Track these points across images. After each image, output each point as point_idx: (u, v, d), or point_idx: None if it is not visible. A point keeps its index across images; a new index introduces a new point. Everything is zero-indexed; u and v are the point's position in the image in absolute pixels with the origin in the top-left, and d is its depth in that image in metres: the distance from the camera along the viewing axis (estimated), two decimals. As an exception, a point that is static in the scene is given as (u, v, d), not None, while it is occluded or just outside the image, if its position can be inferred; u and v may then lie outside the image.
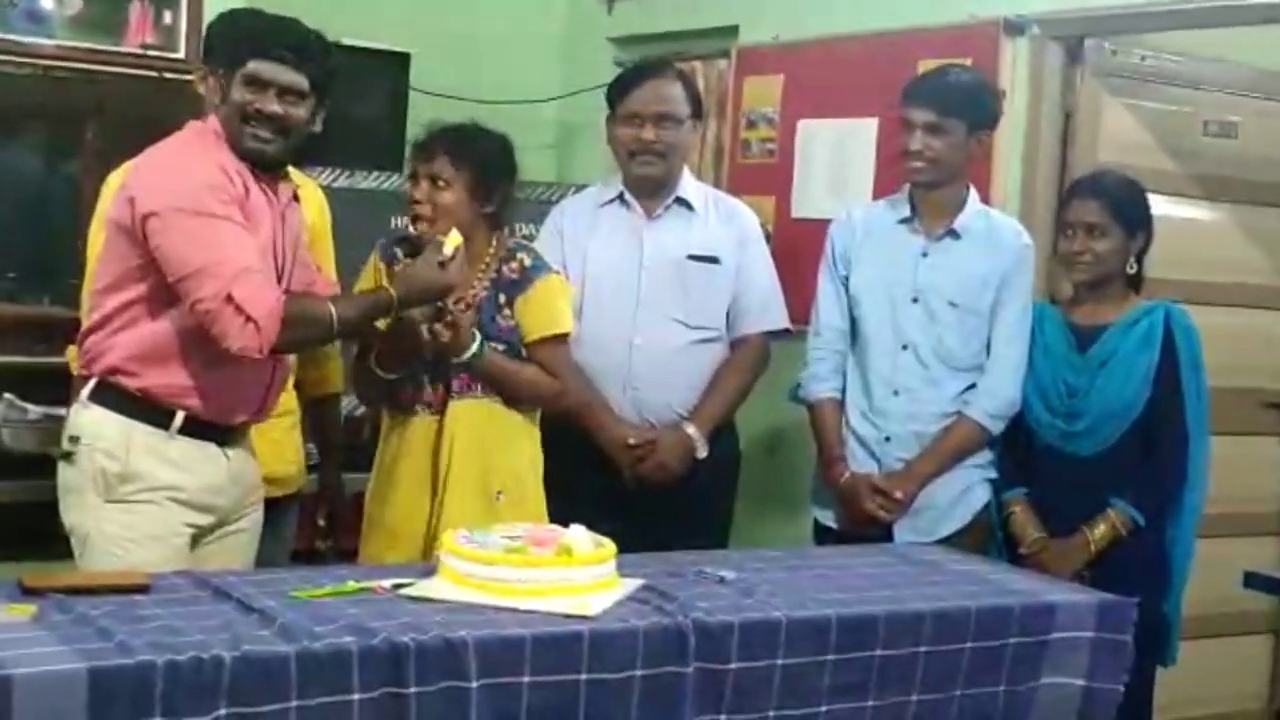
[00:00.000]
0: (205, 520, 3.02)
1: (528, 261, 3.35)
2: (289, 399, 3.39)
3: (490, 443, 3.31)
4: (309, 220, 3.33)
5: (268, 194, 2.99)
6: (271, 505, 3.28)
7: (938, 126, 3.59)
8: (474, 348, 3.24)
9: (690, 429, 3.83)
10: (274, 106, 2.92)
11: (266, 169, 2.98)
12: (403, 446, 3.33)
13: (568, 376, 3.43)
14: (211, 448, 3.00)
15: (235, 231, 2.84)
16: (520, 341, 3.33)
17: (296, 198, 3.10)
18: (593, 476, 3.71)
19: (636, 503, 3.71)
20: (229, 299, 2.77)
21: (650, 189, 3.89)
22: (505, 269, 3.33)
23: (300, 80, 2.93)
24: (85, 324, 3.03)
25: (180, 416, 2.94)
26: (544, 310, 3.35)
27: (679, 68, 4.10)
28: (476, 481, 3.29)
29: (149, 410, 2.93)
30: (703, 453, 3.84)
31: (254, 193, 2.94)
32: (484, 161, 3.29)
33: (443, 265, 3.04)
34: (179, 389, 2.93)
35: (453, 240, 3.07)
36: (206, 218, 2.81)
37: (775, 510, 4.52)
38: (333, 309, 2.94)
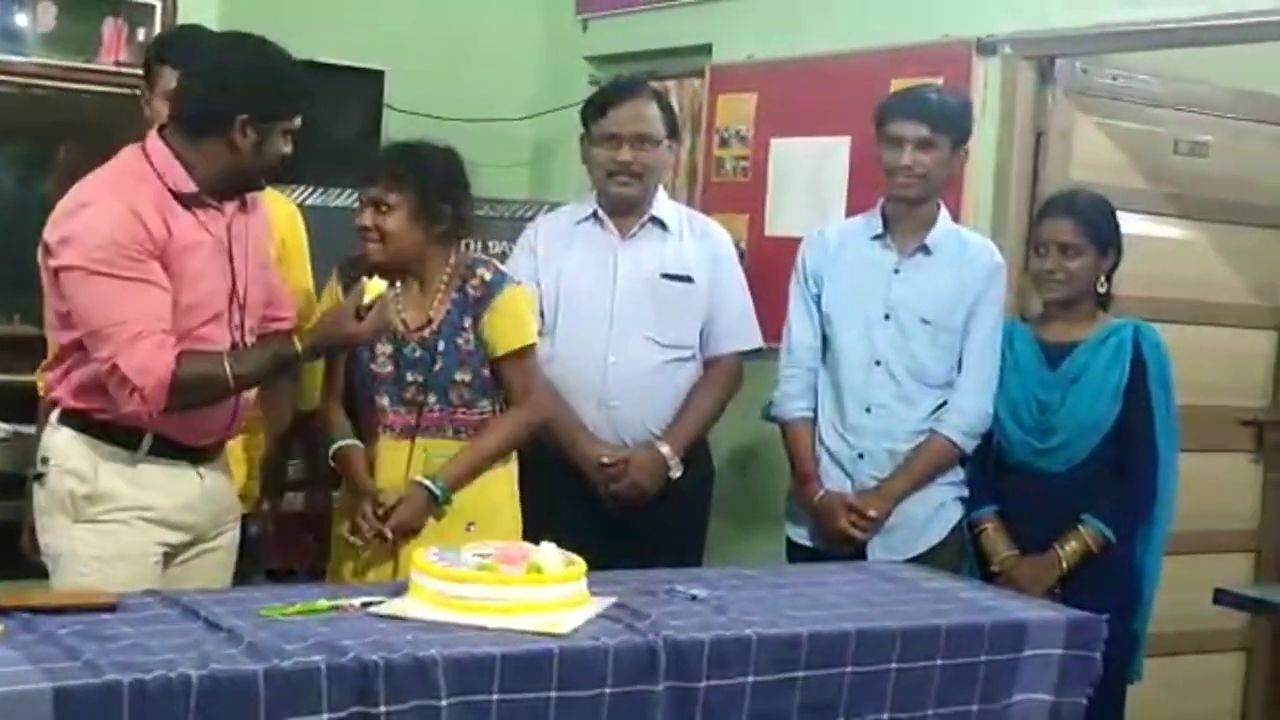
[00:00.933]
0: (179, 539, 3.00)
1: (488, 276, 3.32)
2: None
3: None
4: (279, 235, 3.30)
5: (199, 217, 2.92)
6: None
7: (929, 142, 3.60)
8: (440, 500, 3.23)
9: (664, 448, 3.82)
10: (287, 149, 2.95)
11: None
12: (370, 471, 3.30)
13: (536, 389, 3.42)
14: (183, 467, 2.99)
15: (138, 292, 2.79)
16: (483, 360, 3.30)
17: (244, 205, 3.04)
18: (566, 497, 3.69)
19: (610, 522, 3.71)
20: (114, 368, 2.77)
21: (625, 208, 3.89)
22: (469, 287, 3.31)
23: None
24: (48, 357, 3.00)
25: (148, 440, 2.93)
26: (510, 324, 3.32)
27: (654, 87, 4.10)
28: (447, 518, 3.25)
29: (115, 434, 2.92)
30: (676, 472, 3.84)
31: (180, 227, 2.88)
32: (426, 182, 3.23)
33: (360, 314, 2.97)
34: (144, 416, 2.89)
35: (373, 289, 2.97)
36: (108, 278, 2.77)
37: (749, 528, 4.52)
38: (228, 368, 2.88)
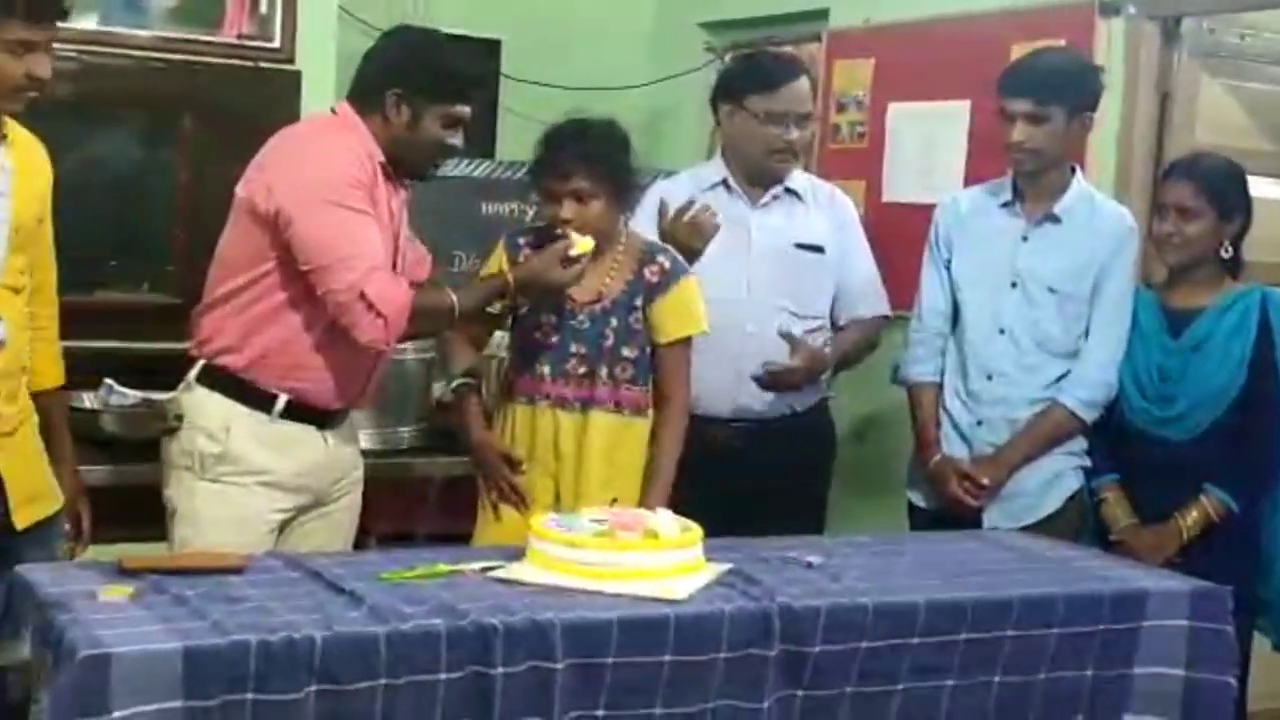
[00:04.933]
0: (296, 502, 3.08)
1: (668, 265, 3.32)
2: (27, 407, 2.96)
3: (618, 455, 3.30)
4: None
5: (387, 185, 3.07)
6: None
7: (1037, 116, 3.54)
8: None
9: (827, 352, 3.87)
10: (459, 142, 3.11)
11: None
12: (527, 441, 3.31)
13: (685, 383, 3.38)
14: (312, 430, 3.07)
15: (370, 227, 2.94)
16: (647, 340, 3.31)
17: (404, 185, 3.18)
18: (686, 464, 3.68)
19: (732, 486, 3.68)
20: (362, 295, 2.88)
21: (771, 181, 3.90)
22: (647, 272, 3.31)
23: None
24: (203, 300, 3.10)
25: (283, 400, 3.01)
26: (680, 313, 3.32)
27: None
28: (599, 489, 3.25)
29: (252, 394, 3.01)
30: (828, 389, 3.95)
31: (380, 181, 3.04)
32: (618, 165, 3.26)
33: (565, 264, 3.09)
34: (285, 372, 3.00)
35: (583, 245, 3.10)
36: (345, 210, 2.91)
37: (870, 494, 4.49)
38: (454, 300, 3.04)
